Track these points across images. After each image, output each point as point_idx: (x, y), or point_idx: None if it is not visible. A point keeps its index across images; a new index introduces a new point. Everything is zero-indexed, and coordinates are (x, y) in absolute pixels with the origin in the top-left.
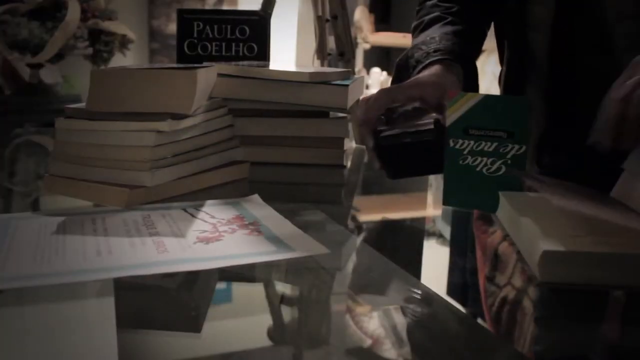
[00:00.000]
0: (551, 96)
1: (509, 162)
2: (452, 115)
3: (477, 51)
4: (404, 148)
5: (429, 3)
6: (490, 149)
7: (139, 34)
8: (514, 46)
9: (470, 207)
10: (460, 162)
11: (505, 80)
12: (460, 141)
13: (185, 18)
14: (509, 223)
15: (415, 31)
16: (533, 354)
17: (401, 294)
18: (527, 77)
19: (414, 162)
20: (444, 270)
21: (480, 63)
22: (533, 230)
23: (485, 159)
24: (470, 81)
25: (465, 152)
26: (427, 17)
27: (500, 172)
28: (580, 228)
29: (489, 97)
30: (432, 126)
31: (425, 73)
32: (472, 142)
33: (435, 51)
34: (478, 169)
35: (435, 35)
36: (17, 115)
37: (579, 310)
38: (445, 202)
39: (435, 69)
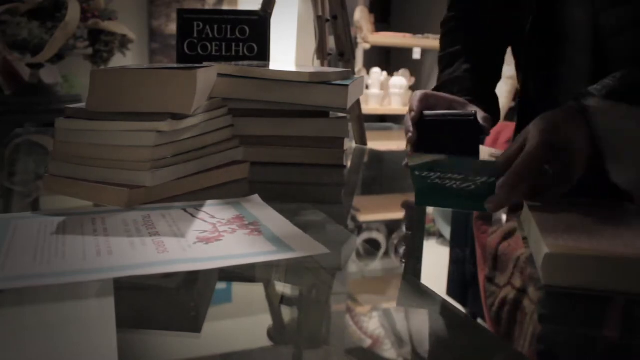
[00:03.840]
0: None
1: (479, 184)
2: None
3: (496, 80)
4: (445, 123)
5: (451, 29)
6: (459, 178)
7: (139, 34)
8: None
9: (443, 207)
10: (428, 181)
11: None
12: (426, 173)
13: (185, 18)
14: (526, 224)
15: (441, 63)
16: (533, 355)
17: (401, 294)
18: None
19: (451, 140)
20: (444, 270)
21: None
22: (538, 232)
23: (453, 182)
24: (492, 112)
25: (432, 178)
26: (450, 50)
27: (470, 189)
28: (585, 231)
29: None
30: (472, 113)
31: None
32: (438, 174)
33: (458, 91)
34: (447, 186)
35: (459, 74)
36: (17, 115)
37: (581, 313)
38: (418, 203)
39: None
